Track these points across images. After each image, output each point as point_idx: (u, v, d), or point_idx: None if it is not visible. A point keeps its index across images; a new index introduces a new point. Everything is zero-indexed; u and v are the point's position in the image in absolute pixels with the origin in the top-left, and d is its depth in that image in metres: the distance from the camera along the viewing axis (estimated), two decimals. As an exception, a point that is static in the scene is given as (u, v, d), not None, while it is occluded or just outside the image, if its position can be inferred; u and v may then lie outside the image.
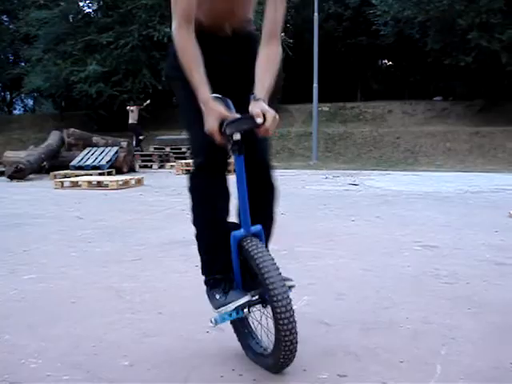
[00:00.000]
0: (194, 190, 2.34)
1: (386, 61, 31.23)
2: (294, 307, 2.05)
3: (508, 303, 3.08)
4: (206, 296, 2.33)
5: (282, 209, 5.71)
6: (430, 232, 5.20)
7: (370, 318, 2.85)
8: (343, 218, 6.11)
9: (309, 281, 3.53)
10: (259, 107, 2.09)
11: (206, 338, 2.61)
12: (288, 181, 10.53)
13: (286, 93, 22.23)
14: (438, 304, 3.07)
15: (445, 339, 2.53)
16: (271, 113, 2.09)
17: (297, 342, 2.07)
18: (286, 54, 22.20)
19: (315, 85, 17.83)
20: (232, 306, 2.19)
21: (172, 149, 16.24)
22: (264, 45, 2.27)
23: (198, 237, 2.37)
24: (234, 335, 2.45)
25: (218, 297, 2.26)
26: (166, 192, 8.91)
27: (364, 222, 5.81)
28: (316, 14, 18.27)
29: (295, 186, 9.71)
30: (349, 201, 7.71)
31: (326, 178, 11.56)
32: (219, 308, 2.22)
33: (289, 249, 4.39)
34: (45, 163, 12.94)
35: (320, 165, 16.02)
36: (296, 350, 2.10)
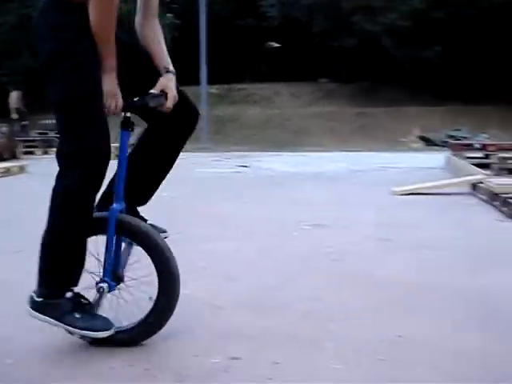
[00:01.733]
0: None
1: (274, 43, 31.60)
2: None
3: (394, 278, 3.21)
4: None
5: (172, 192, 5.67)
6: (318, 211, 5.34)
7: (262, 300, 2.87)
8: (235, 200, 6.15)
9: (201, 264, 3.52)
10: (170, 84, 2.21)
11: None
12: (178, 164, 10.36)
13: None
14: (328, 282, 3.16)
15: (334, 316, 2.61)
16: (173, 92, 2.20)
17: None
18: (173, 35, 21.92)
19: (203, 66, 17.73)
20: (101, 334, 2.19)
21: (56, 133, 15.55)
22: (150, 25, 2.29)
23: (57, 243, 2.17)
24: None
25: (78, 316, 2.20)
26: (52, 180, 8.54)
27: (255, 204, 5.87)
28: (203, -5, 18.11)
29: (186, 169, 9.61)
30: (240, 183, 7.77)
31: (217, 160, 11.57)
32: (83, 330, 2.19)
33: (182, 232, 4.34)
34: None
35: (210, 147, 16.01)
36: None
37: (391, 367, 2.11)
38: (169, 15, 21.73)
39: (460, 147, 10.86)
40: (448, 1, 18.89)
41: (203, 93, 17.91)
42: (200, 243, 4.09)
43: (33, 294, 2.21)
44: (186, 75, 22.05)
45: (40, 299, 2.19)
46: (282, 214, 5.25)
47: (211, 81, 20.15)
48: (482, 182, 6.43)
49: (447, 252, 3.85)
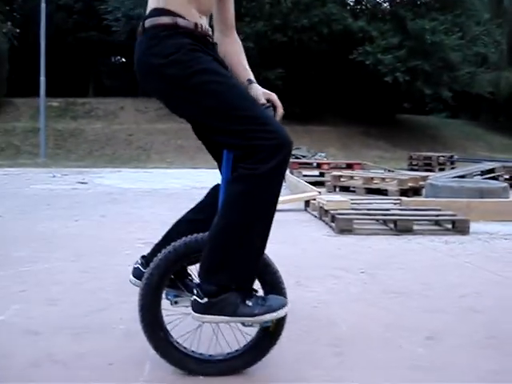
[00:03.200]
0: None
1: (119, 57, 31.11)
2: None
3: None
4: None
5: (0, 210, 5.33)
6: (153, 229, 5.25)
7: (83, 322, 2.75)
8: (67, 218, 5.88)
9: (20, 287, 3.30)
10: (264, 91, 2.23)
11: None
12: (12, 180, 9.85)
13: (12, 85, 20.87)
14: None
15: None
16: (273, 94, 2.24)
17: None
18: (12, 44, 20.82)
19: (42, 78, 16.98)
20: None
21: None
22: (230, 41, 2.31)
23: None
24: None
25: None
26: None
27: (88, 222, 5.66)
28: (43, 5, 17.36)
29: (19, 186, 9.11)
30: (75, 200, 7.47)
31: (54, 176, 11.05)
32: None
33: (1, 254, 4.07)
34: None
35: (49, 163, 15.27)
36: None
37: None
38: (8, 24, 20.67)
39: (298, 165, 11.34)
40: (289, 25, 19.73)
41: (41, 105, 17.13)
42: (21, 265, 3.84)
43: (195, 298, 2.04)
44: (28, 87, 21.18)
45: (206, 300, 2.02)
46: (116, 231, 5.12)
47: (52, 93, 19.37)
48: (314, 199, 6.73)
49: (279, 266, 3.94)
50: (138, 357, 2.35)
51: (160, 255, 2.16)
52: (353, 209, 6.07)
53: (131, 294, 3.23)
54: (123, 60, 30.48)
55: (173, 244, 2.15)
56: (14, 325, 2.71)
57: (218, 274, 2.02)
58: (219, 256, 2.01)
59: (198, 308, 2.04)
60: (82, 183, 9.84)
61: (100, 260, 4.03)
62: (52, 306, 3.03)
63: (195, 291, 2.07)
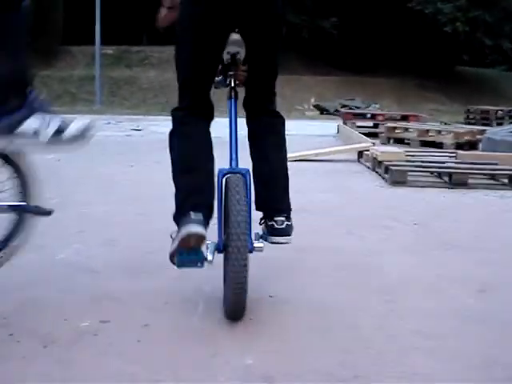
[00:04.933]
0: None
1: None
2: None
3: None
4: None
5: (58, 155, 5.48)
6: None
7: (139, 263, 2.85)
8: (122, 163, 6.01)
9: (79, 228, 3.43)
10: None
11: None
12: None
13: (68, 33, 21.03)
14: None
15: (208, 277, 2.61)
16: None
17: (246, 291, 2.11)
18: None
19: (97, 26, 17.09)
20: None
21: None
22: None
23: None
24: None
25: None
26: None
27: (143, 167, 5.78)
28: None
29: (75, 132, 9.31)
30: (130, 146, 7.61)
31: (109, 123, 11.25)
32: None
33: (62, 196, 4.20)
34: None
35: (104, 110, 15.52)
36: (244, 297, 2.12)
37: (263, 325, 2.16)
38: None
39: (352, 116, 11.19)
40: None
41: (97, 54, 17.30)
42: (80, 207, 3.98)
43: (290, 223, 2.33)
44: (83, 34, 21.32)
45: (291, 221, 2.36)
46: (168, 177, 5.18)
47: (107, 41, 19.49)
48: (367, 150, 6.65)
49: (327, 216, 3.97)
50: (191, 297, 2.42)
51: None
52: (407, 161, 5.99)
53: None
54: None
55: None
56: (74, 263, 2.82)
57: (288, 196, 2.41)
58: (287, 182, 2.43)
59: (291, 230, 2.34)
60: (137, 130, 9.99)
61: (154, 204, 4.11)
62: (110, 246, 3.13)
63: (283, 217, 2.31)
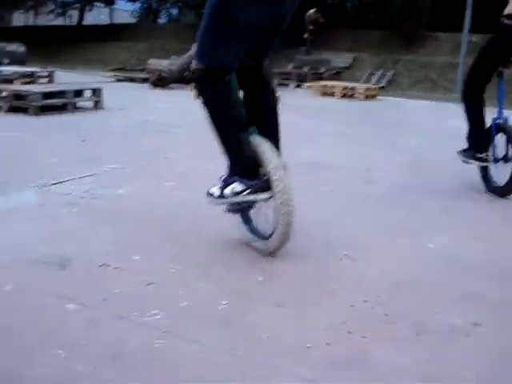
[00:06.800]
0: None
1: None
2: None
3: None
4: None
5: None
6: None
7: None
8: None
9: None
10: None
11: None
12: (426, 113, 10.16)
13: (435, 18, 20.83)
14: None
15: None
16: None
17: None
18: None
19: (468, 12, 16.57)
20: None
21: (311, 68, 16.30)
22: None
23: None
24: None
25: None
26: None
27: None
28: None
29: (434, 120, 9.30)
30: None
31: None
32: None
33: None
34: (186, 73, 13.22)
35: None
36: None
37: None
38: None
39: None
40: None
41: (464, 40, 16.81)
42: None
43: None
44: (448, 20, 20.92)
45: None
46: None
47: (475, 29, 18.83)
48: None
49: None
50: None
51: None
52: None
53: None
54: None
55: None
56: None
57: None
58: None
59: None
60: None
61: None
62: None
63: None
